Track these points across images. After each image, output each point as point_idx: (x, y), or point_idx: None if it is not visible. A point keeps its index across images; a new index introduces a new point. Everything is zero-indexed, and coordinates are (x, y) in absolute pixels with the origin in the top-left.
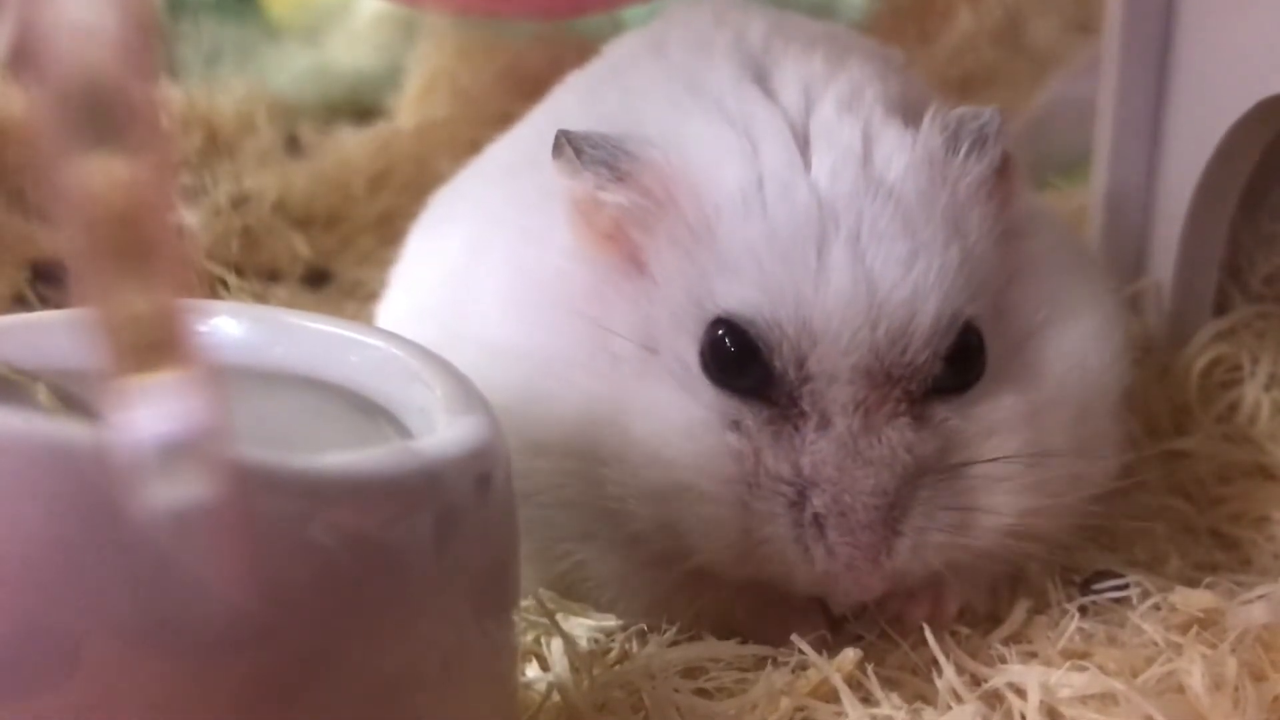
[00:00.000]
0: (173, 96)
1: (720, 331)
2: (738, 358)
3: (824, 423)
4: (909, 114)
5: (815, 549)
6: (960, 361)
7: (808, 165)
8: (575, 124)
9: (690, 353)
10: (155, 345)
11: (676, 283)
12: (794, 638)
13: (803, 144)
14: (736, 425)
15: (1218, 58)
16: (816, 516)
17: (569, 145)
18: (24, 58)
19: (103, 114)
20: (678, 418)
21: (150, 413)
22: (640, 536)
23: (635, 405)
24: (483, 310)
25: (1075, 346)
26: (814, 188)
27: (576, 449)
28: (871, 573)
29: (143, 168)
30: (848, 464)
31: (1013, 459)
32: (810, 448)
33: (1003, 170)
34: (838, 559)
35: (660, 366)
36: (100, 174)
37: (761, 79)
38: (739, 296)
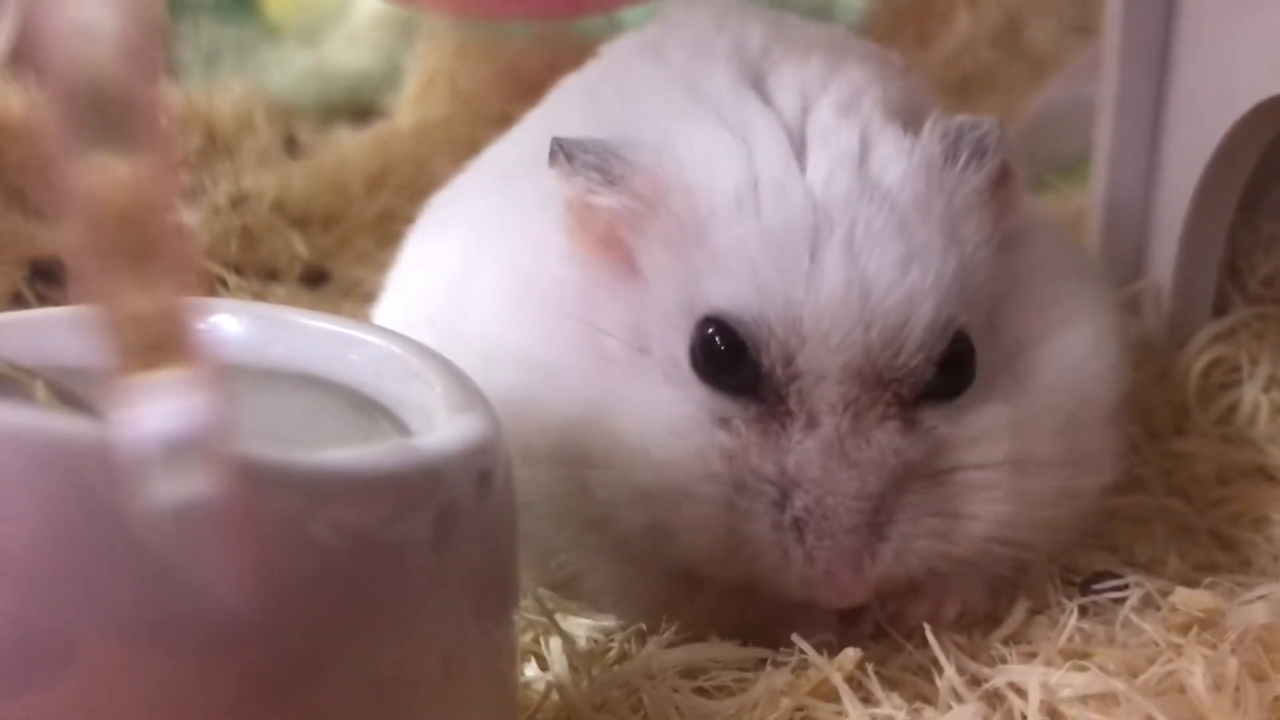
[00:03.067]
0: (172, 96)
1: (710, 329)
2: (727, 355)
3: (811, 423)
4: (908, 119)
5: (794, 552)
6: (951, 368)
7: (803, 168)
8: (573, 129)
9: (680, 350)
10: (158, 343)
11: (668, 282)
12: (794, 637)
13: (799, 147)
14: (725, 423)
15: (1218, 58)
16: (796, 520)
17: (562, 151)
18: (26, 57)
19: (106, 113)
20: (666, 415)
21: (153, 410)
22: (629, 539)
23: (624, 405)
24: (479, 315)
25: (1068, 357)
26: (809, 190)
27: (564, 455)
28: (852, 578)
29: (145, 167)
30: (832, 465)
31: (996, 466)
32: (796, 447)
33: (1002, 180)
34: (816, 565)
35: (651, 367)
36: (103, 173)
37: (759, 84)
38: (729, 294)
